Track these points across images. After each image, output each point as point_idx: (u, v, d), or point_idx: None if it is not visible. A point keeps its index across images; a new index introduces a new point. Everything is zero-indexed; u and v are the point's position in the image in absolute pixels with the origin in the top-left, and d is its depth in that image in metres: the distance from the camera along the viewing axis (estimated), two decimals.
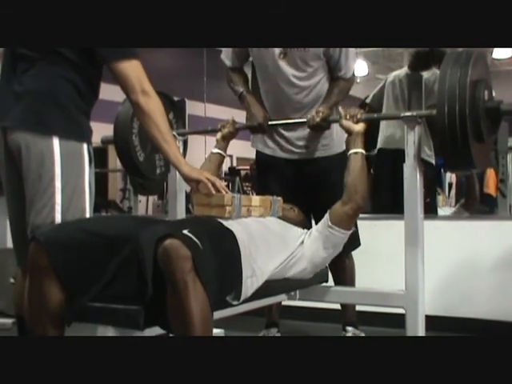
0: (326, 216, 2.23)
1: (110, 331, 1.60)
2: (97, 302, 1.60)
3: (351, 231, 2.26)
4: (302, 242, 2.18)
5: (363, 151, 2.27)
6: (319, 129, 2.51)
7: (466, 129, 2.03)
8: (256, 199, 2.14)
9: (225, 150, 2.58)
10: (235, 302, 1.73)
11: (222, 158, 2.56)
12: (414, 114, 2.28)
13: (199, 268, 1.48)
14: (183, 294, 1.46)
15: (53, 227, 1.73)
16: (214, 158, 2.54)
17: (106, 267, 1.60)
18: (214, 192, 1.97)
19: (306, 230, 2.27)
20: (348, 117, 2.31)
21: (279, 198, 2.28)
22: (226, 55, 2.72)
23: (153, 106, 1.87)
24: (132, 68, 1.85)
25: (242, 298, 1.75)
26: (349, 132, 2.31)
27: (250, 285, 1.78)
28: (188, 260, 1.46)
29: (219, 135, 2.58)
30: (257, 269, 1.84)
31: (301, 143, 2.66)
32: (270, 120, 2.59)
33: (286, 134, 2.66)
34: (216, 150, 2.55)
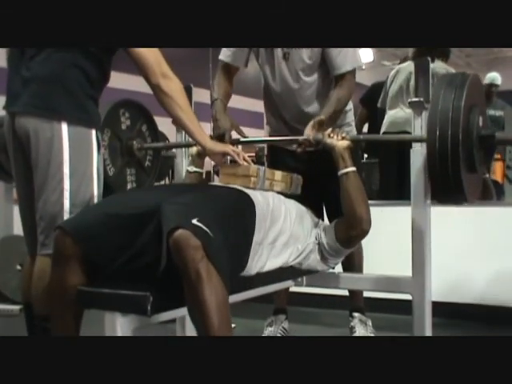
0: (333, 236, 2.15)
1: (118, 317, 1.59)
2: (105, 287, 1.61)
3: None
4: (316, 238, 2.16)
5: (354, 169, 2.16)
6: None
7: (458, 157, 1.91)
8: (278, 174, 2.16)
9: (201, 167, 2.33)
10: (242, 273, 1.74)
11: (200, 176, 2.34)
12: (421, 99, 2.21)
13: (211, 256, 1.48)
14: (197, 283, 1.46)
15: (76, 215, 1.74)
16: (193, 178, 2.30)
17: (130, 246, 1.62)
18: (240, 162, 2.05)
19: (320, 222, 2.24)
20: (331, 135, 2.21)
21: (299, 177, 2.28)
22: (224, 53, 2.56)
23: (174, 87, 1.90)
24: (150, 51, 1.85)
25: (249, 265, 1.76)
26: (332, 149, 2.19)
27: (257, 251, 1.79)
28: (199, 249, 1.46)
29: (195, 150, 2.31)
30: (268, 238, 1.85)
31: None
32: (237, 127, 2.44)
33: (298, 126, 2.55)
34: (194, 169, 2.31)
